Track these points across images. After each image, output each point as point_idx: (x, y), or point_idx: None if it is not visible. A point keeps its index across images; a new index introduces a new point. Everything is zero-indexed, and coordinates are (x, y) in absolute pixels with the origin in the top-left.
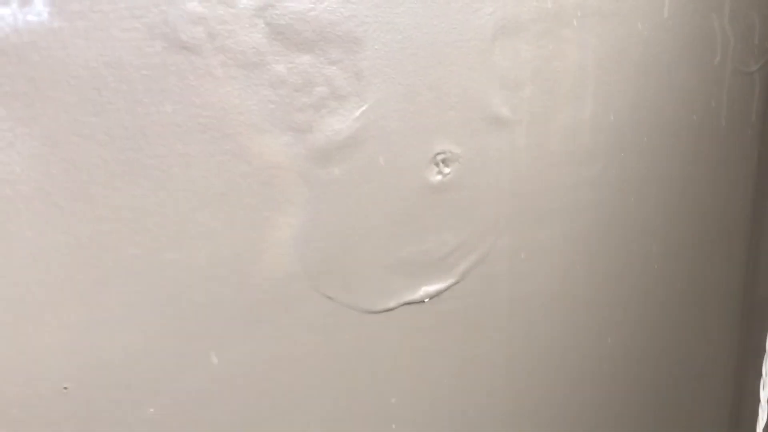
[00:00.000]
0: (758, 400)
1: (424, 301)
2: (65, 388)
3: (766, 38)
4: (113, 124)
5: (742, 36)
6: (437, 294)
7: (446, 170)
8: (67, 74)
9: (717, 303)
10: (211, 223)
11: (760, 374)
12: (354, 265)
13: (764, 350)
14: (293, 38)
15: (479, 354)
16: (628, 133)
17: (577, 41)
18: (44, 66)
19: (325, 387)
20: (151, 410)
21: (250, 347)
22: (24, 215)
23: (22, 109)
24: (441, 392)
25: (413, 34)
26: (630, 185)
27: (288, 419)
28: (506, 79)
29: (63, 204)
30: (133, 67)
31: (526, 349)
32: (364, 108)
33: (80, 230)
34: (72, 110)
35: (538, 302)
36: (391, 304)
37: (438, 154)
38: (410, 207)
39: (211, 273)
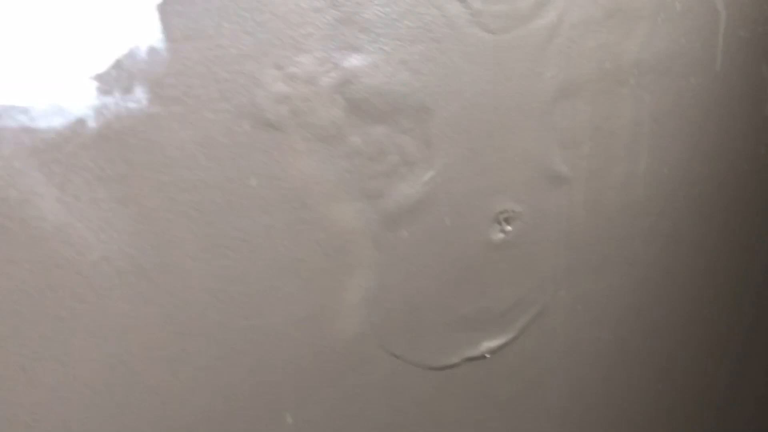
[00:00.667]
0: None
1: (485, 356)
2: None
3: None
4: (203, 199)
5: None
6: (498, 349)
7: (507, 228)
8: (163, 155)
9: None
10: (289, 289)
11: None
12: (419, 324)
13: None
14: (369, 111)
15: (537, 405)
16: (682, 184)
17: (633, 98)
18: (142, 149)
19: None
20: None
21: (323, 407)
22: (119, 290)
23: (120, 190)
24: None
25: (479, 100)
26: (683, 236)
27: None
28: (565, 138)
29: (155, 276)
30: (223, 145)
31: (581, 400)
32: (432, 173)
33: (169, 301)
34: (166, 189)
35: (593, 353)
36: (454, 359)
37: (500, 212)
38: (473, 265)
39: (288, 336)
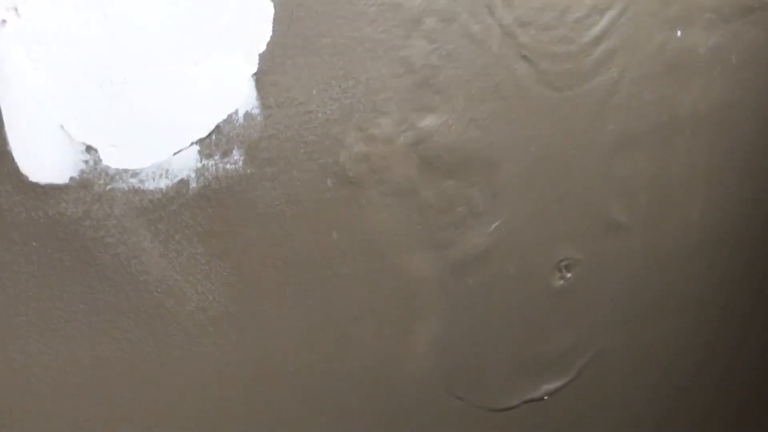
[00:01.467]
0: None
1: (543, 398)
2: None
3: None
4: (289, 252)
5: None
6: (556, 391)
7: (568, 275)
8: (255, 212)
9: None
10: (364, 334)
11: None
12: (482, 368)
13: None
14: (440, 166)
15: None
16: (735, 229)
17: (689, 148)
18: (236, 207)
19: None
20: None
21: None
22: (212, 337)
23: (217, 245)
24: None
25: (543, 153)
26: (736, 280)
27: None
28: (624, 188)
29: (245, 325)
30: (309, 201)
31: None
32: (497, 223)
33: (258, 348)
34: (257, 243)
35: (648, 394)
36: (514, 402)
37: (561, 260)
38: (534, 310)
39: (362, 379)
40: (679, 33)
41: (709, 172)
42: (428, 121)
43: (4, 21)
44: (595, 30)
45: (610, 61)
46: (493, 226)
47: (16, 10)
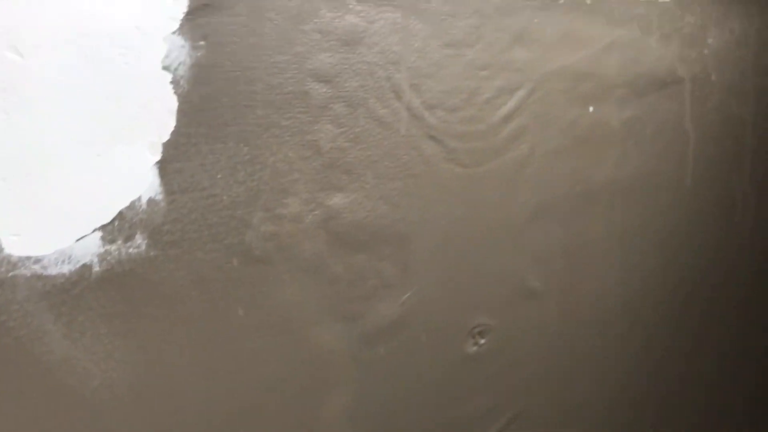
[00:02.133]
0: None
1: None
2: None
3: None
4: (194, 330)
5: (760, 192)
6: None
7: (482, 341)
8: (158, 293)
9: None
10: (275, 407)
11: None
12: None
13: None
14: (350, 242)
15: None
16: (655, 291)
17: (605, 216)
18: (140, 288)
19: None
20: None
21: None
22: (119, 413)
23: (120, 325)
24: None
25: (454, 227)
26: (655, 342)
27: None
28: (539, 256)
29: (151, 400)
30: (213, 281)
31: None
32: (409, 294)
33: (164, 422)
34: (161, 322)
35: None
36: None
37: (474, 327)
38: (447, 377)
39: None
40: (591, 108)
41: (625, 238)
42: (337, 200)
43: None
44: (505, 109)
45: (521, 138)
46: (405, 296)
47: None
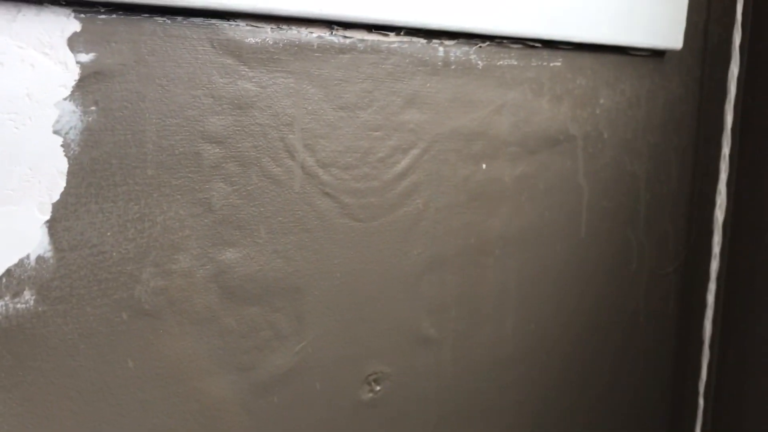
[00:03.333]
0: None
1: None
2: None
3: (679, 242)
4: (83, 382)
5: (657, 243)
6: None
7: (377, 388)
8: (47, 346)
9: None
10: None
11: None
12: None
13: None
14: (243, 295)
15: None
16: (551, 338)
17: (499, 267)
18: (27, 342)
19: None
20: None
21: None
22: None
23: (6, 379)
24: None
25: (348, 279)
26: (550, 387)
27: None
28: (433, 305)
29: None
30: (102, 334)
31: None
32: (303, 344)
33: None
34: (49, 375)
35: None
36: None
37: (370, 374)
38: (343, 423)
39: None
40: (484, 166)
41: (520, 287)
42: (229, 255)
43: None
44: (399, 167)
45: (415, 194)
46: (299, 346)
47: None
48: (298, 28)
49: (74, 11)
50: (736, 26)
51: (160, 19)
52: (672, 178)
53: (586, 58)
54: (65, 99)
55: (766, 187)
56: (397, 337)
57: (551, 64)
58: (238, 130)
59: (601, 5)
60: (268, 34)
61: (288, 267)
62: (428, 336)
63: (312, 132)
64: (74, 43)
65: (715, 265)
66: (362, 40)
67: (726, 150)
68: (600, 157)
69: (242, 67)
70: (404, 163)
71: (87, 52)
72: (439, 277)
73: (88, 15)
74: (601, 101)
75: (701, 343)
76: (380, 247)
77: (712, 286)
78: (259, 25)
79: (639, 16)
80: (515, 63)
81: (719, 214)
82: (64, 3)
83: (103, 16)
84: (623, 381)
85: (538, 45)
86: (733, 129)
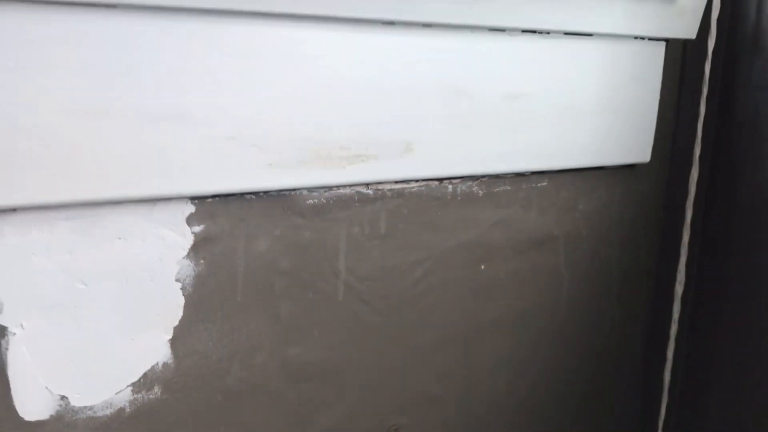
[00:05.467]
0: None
1: None
2: None
3: (645, 311)
4: None
5: (626, 311)
6: None
7: None
8: (167, 422)
9: None
10: None
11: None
12: None
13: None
14: (300, 376)
15: None
16: (538, 393)
17: (494, 342)
18: (156, 421)
19: None
20: None
21: None
22: None
23: None
24: None
25: (377, 358)
26: (542, 428)
27: None
28: (441, 371)
29: None
30: (204, 411)
31: None
32: (343, 407)
33: None
34: None
35: None
36: None
37: (391, 425)
38: None
39: None
40: (482, 266)
41: (512, 358)
42: (292, 350)
43: (14, 333)
44: (416, 275)
45: (428, 293)
46: (340, 409)
47: (21, 325)
48: (344, 189)
49: (191, 199)
50: (697, 140)
51: (248, 197)
52: (640, 260)
53: (568, 177)
54: (183, 257)
55: (719, 266)
56: (413, 396)
57: (539, 185)
58: (300, 264)
59: (581, 140)
60: (321, 194)
61: (333, 354)
62: (437, 395)
63: (353, 258)
64: (190, 220)
65: (674, 329)
66: (391, 190)
67: (686, 238)
68: (578, 249)
69: (303, 220)
70: (420, 272)
71: (198, 225)
72: (446, 351)
73: (200, 201)
74: (581, 207)
75: (661, 389)
76: (401, 333)
77: (671, 351)
78: (316, 191)
79: (613, 142)
80: (509, 188)
81: (679, 288)
82: (184, 196)
83: (209, 200)
84: (599, 418)
85: (529, 173)
86: (693, 220)
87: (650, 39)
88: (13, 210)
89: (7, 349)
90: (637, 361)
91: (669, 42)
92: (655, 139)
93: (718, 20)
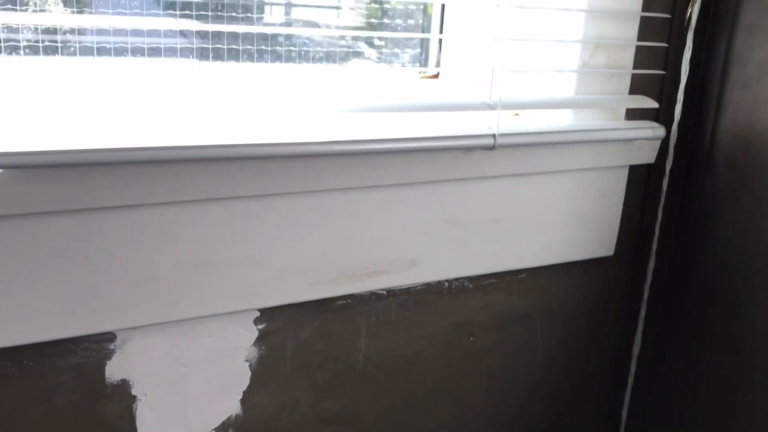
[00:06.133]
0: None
1: None
2: None
3: (607, 371)
4: None
5: (592, 364)
6: None
7: None
8: None
9: None
10: None
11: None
12: None
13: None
14: (332, 421)
15: None
16: (516, 418)
17: (481, 388)
18: None
19: None
20: None
21: None
22: None
23: None
24: None
25: (389, 406)
26: None
27: None
28: (437, 411)
29: None
30: None
31: None
32: None
33: None
34: None
35: None
36: None
37: None
38: None
39: None
40: (471, 338)
41: (494, 414)
42: (326, 403)
43: (141, 399)
44: (418, 348)
45: (427, 359)
46: None
47: (145, 394)
48: (363, 293)
49: (257, 309)
50: (655, 237)
51: (295, 305)
52: (604, 328)
53: (544, 269)
54: (251, 345)
55: (669, 334)
56: (415, 429)
57: (518, 277)
58: (331, 345)
59: (554, 244)
60: (347, 298)
61: (355, 406)
62: (432, 428)
63: (370, 338)
64: (256, 321)
65: (631, 380)
66: (399, 289)
67: (643, 312)
68: (551, 321)
69: (334, 315)
70: (421, 345)
71: (261, 324)
72: (442, 400)
73: (263, 309)
74: (554, 290)
75: (619, 427)
76: (406, 388)
77: (627, 395)
78: (343, 298)
79: (582, 242)
80: (494, 281)
81: (636, 350)
82: (253, 308)
83: (269, 308)
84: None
85: (510, 270)
86: (649, 298)
87: (614, 168)
88: (145, 326)
89: (136, 409)
90: (600, 406)
91: (631, 166)
92: (620, 234)
93: (675, 145)
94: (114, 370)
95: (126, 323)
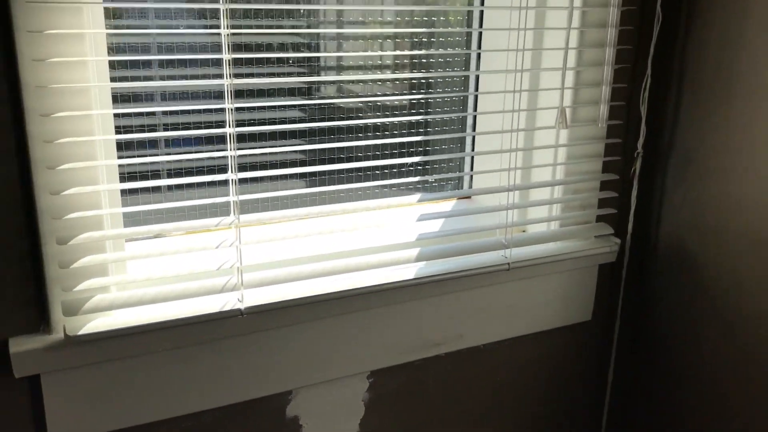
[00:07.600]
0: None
1: None
2: None
3: (585, 404)
4: None
5: (581, 392)
6: None
7: None
8: None
9: None
10: None
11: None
12: None
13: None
14: None
15: None
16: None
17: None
18: None
19: None
20: None
21: None
22: None
23: None
24: None
25: None
26: None
27: None
28: None
29: None
30: None
31: None
32: None
33: None
34: None
35: None
36: None
37: None
38: None
39: None
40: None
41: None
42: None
43: (304, 426)
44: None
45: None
46: None
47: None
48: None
49: (367, 376)
50: (618, 308)
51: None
52: (584, 379)
53: (530, 335)
54: (365, 392)
55: (637, 389)
56: None
57: (506, 340)
58: (409, 390)
59: (533, 318)
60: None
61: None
62: None
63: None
64: (367, 377)
65: (605, 419)
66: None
67: (610, 378)
68: (537, 377)
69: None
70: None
71: (371, 379)
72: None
73: (373, 371)
74: (538, 352)
75: None
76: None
77: None
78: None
79: (553, 311)
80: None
81: (607, 398)
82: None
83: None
84: None
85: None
86: (616, 358)
87: (588, 267)
88: (308, 385)
89: (301, 430)
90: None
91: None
92: (595, 302)
93: (630, 248)
94: (290, 411)
95: (298, 384)
